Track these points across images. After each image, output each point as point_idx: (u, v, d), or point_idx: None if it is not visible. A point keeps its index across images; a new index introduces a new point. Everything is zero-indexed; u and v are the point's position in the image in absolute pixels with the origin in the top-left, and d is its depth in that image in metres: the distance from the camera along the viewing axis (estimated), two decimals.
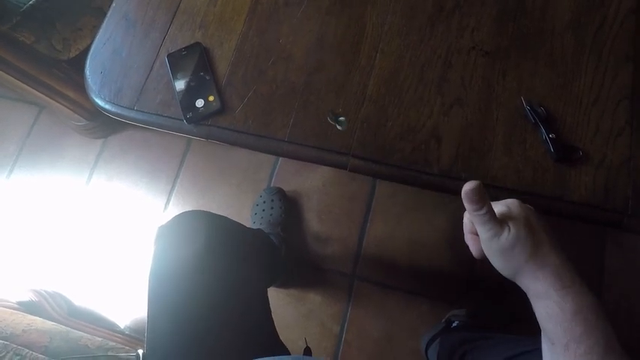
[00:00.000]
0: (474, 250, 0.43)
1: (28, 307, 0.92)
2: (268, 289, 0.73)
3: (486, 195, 0.38)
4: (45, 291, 1.01)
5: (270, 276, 0.85)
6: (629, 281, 1.02)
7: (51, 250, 1.17)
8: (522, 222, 0.38)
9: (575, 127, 0.53)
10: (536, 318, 0.38)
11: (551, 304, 0.35)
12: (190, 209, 0.61)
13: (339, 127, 0.53)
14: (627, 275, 1.03)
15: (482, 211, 0.37)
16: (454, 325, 0.90)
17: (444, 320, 0.95)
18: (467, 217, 0.43)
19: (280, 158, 1.18)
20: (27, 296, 0.96)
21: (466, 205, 0.38)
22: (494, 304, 0.96)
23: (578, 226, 1.05)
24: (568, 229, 1.06)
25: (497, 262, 0.39)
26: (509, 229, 0.38)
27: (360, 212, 1.10)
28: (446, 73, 0.56)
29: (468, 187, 0.37)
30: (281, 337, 0.62)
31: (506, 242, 0.37)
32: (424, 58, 0.57)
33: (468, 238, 0.44)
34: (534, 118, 0.52)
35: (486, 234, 0.38)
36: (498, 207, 0.40)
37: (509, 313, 0.91)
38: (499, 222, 0.38)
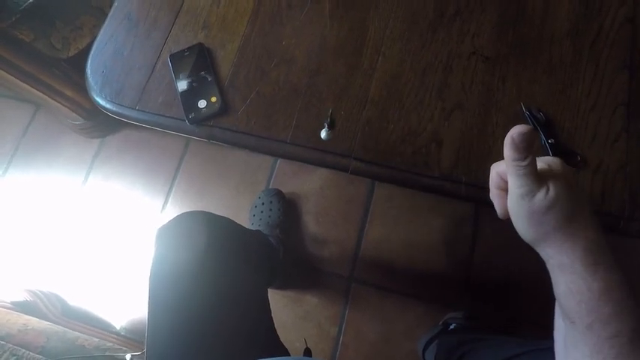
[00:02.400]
0: (498, 208, 0.38)
1: (22, 307, 0.91)
2: None
3: (534, 145, 0.32)
4: (40, 291, 1.00)
5: (268, 277, 0.85)
6: None
7: (46, 251, 1.16)
8: (564, 184, 0.33)
9: (574, 133, 0.54)
10: (555, 297, 0.34)
11: (576, 279, 0.31)
12: (188, 210, 0.61)
13: (322, 135, 0.51)
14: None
15: (525, 162, 0.32)
16: (451, 327, 0.90)
17: (441, 323, 0.95)
18: (495, 170, 0.38)
19: (279, 160, 1.18)
20: (22, 296, 0.95)
21: (507, 151, 0.32)
22: (492, 307, 0.96)
23: None
24: None
25: (522, 225, 0.34)
26: (548, 190, 0.32)
27: (358, 215, 1.10)
28: (447, 77, 0.57)
29: (517, 130, 0.31)
30: None
31: (541, 204, 0.32)
32: (425, 63, 0.58)
33: (494, 194, 0.38)
34: (533, 123, 0.53)
35: (520, 189, 0.33)
36: (538, 163, 0.34)
37: (506, 315, 0.92)
38: (538, 179, 0.33)
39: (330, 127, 0.49)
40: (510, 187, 0.34)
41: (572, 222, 0.32)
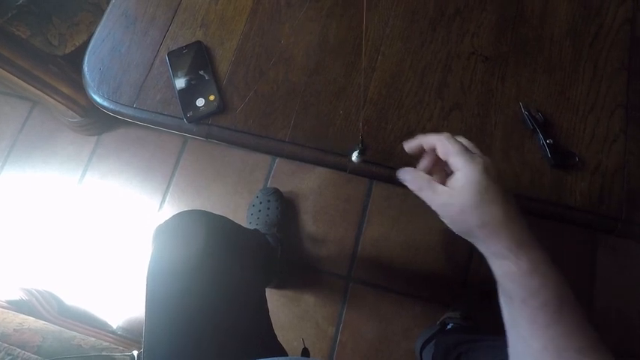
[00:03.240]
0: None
1: (18, 306, 0.90)
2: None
3: (422, 175, 0.40)
4: (35, 290, 1.00)
5: (266, 276, 0.85)
6: (620, 285, 1.04)
7: (42, 249, 1.15)
8: (474, 188, 0.37)
9: (572, 134, 0.54)
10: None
11: (507, 262, 0.36)
12: (186, 209, 0.61)
13: (353, 158, 0.50)
14: (619, 279, 1.04)
15: (425, 192, 0.39)
16: (449, 327, 0.90)
17: (438, 322, 0.96)
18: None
19: (277, 159, 1.18)
20: (17, 295, 0.95)
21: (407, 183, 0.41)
22: (489, 306, 0.97)
23: (570, 230, 1.07)
24: (560, 233, 1.08)
25: (451, 226, 0.39)
26: (461, 183, 0.37)
27: (356, 214, 1.10)
28: (446, 77, 0.57)
29: (401, 176, 0.42)
30: None
31: (457, 198, 0.37)
32: (425, 62, 0.58)
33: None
34: (532, 124, 0.53)
35: (435, 205, 0.39)
36: (454, 150, 0.39)
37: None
38: (447, 192, 0.38)
39: (362, 154, 0.50)
40: (429, 204, 0.40)
41: (491, 218, 0.37)
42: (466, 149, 0.39)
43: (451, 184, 0.38)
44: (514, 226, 0.37)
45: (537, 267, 0.35)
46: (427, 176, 0.41)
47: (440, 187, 0.39)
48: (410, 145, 0.44)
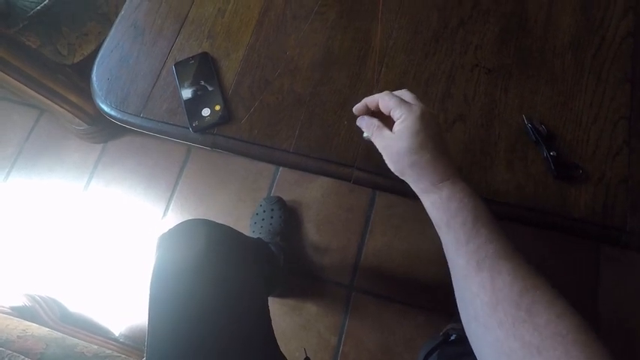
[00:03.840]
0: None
1: (21, 312, 0.90)
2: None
3: (374, 121, 0.47)
4: (39, 296, 1.00)
5: (269, 285, 0.85)
6: (624, 296, 1.03)
7: (46, 256, 1.16)
8: (408, 132, 0.43)
9: (575, 145, 0.54)
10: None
11: (432, 195, 0.42)
12: (189, 217, 0.61)
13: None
14: (622, 290, 1.03)
15: (375, 135, 0.46)
16: (452, 338, 0.89)
17: (442, 333, 0.95)
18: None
19: (280, 168, 1.18)
20: (20, 301, 0.95)
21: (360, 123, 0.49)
22: None
23: (574, 241, 1.06)
24: (564, 244, 1.07)
25: (390, 166, 0.45)
26: (400, 129, 0.43)
27: (359, 223, 1.10)
28: (449, 88, 0.57)
29: (359, 122, 0.49)
30: None
31: (394, 142, 0.44)
32: (428, 74, 0.58)
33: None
34: (535, 136, 0.53)
35: (380, 147, 0.46)
36: (394, 102, 0.45)
37: None
38: (389, 135, 0.45)
39: None
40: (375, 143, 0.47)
41: (419, 158, 0.42)
42: (403, 101, 0.45)
43: (393, 130, 0.45)
44: (438, 164, 0.42)
45: (455, 194, 0.41)
46: (378, 122, 0.47)
47: (386, 131, 0.45)
48: (357, 107, 0.50)
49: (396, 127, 0.44)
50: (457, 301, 0.41)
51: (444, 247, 0.43)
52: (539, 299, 0.34)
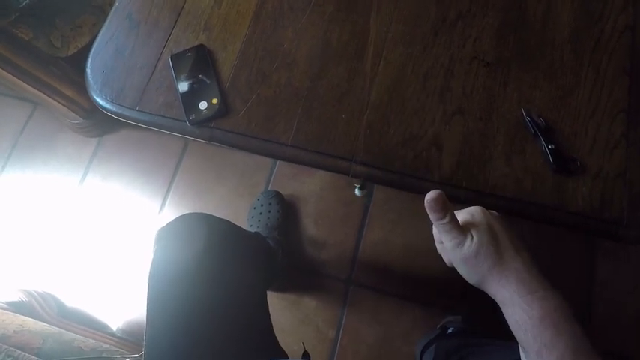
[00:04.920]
0: (445, 259, 0.44)
1: (17, 308, 0.90)
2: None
3: (448, 204, 0.39)
4: (35, 291, 1.00)
5: (267, 279, 0.85)
6: (619, 291, 1.04)
7: (42, 250, 1.15)
8: (484, 229, 0.38)
9: (574, 139, 0.54)
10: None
11: (518, 310, 0.35)
12: (187, 211, 0.61)
13: (356, 192, 0.54)
14: (618, 283, 1.04)
15: (445, 220, 0.38)
16: (449, 331, 0.90)
17: (439, 326, 0.95)
18: (435, 230, 0.44)
19: (278, 162, 1.18)
20: (16, 296, 0.94)
21: (429, 214, 0.39)
22: (490, 310, 0.96)
23: (570, 234, 1.07)
24: (560, 237, 1.08)
25: (463, 270, 0.40)
26: (472, 237, 0.38)
27: (357, 217, 1.10)
28: (448, 82, 0.57)
29: (429, 196, 0.38)
30: None
31: (469, 250, 0.38)
32: (427, 67, 0.58)
33: (439, 248, 0.45)
34: (534, 129, 0.53)
35: (450, 242, 0.39)
36: (462, 215, 0.41)
37: (504, 319, 0.92)
38: (462, 230, 0.39)
39: (362, 188, 0.54)
40: (444, 241, 0.40)
41: (501, 259, 0.37)
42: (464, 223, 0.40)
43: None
44: (527, 270, 0.36)
45: (549, 316, 0.33)
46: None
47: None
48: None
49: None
50: None
51: None
52: None
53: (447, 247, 0.40)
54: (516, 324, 0.35)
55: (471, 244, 0.38)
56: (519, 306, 0.35)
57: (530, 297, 0.34)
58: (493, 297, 0.38)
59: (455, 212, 0.41)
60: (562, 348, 0.32)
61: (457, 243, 0.38)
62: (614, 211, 0.51)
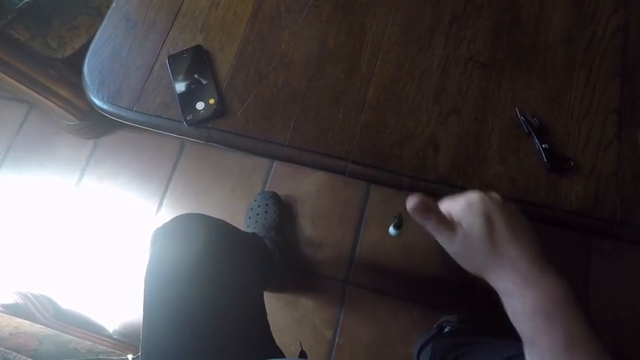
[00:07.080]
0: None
1: (13, 310, 0.89)
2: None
3: (431, 204, 0.38)
4: (31, 293, 0.99)
5: (264, 280, 0.85)
6: (614, 289, 1.05)
7: (38, 252, 1.15)
8: (480, 220, 0.37)
9: (567, 138, 0.55)
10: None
11: (512, 301, 0.34)
12: (184, 212, 0.61)
13: (390, 231, 0.56)
14: (613, 283, 1.05)
15: (431, 221, 0.38)
16: (446, 330, 0.91)
17: (435, 326, 0.96)
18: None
19: (275, 163, 1.18)
20: (12, 299, 0.94)
21: (415, 218, 0.38)
22: (486, 309, 0.97)
23: (565, 233, 1.08)
24: (554, 238, 1.09)
25: (462, 263, 0.39)
26: (462, 232, 0.37)
27: (354, 218, 1.11)
28: (443, 82, 0.58)
29: (409, 205, 0.38)
30: None
31: (460, 245, 0.38)
32: (422, 68, 0.58)
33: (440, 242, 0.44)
34: (528, 129, 0.54)
35: (441, 240, 0.39)
36: (458, 204, 0.39)
37: (500, 317, 0.92)
38: (451, 226, 0.38)
39: (397, 227, 0.56)
40: (437, 239, 0.40)
41: (497, 249, 0.36)
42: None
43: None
44: (522, 257, 0.35)
45: (541, 304, 0.33)
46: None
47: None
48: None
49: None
50: None
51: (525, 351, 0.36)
52: None
53: (441, 243, 0.40)
54: (512, 314, 0.35)
55: (461, 239, 0.37)
56: (514, 296, 0.34)
57: (523, 285, 0.34)
58: (495, 287, 0.37)
59: (452, 200, 0.41)
60: (555, 335, 0.32)
61: (448, 239, 0.38)
62: (607, 209, 0.52)
